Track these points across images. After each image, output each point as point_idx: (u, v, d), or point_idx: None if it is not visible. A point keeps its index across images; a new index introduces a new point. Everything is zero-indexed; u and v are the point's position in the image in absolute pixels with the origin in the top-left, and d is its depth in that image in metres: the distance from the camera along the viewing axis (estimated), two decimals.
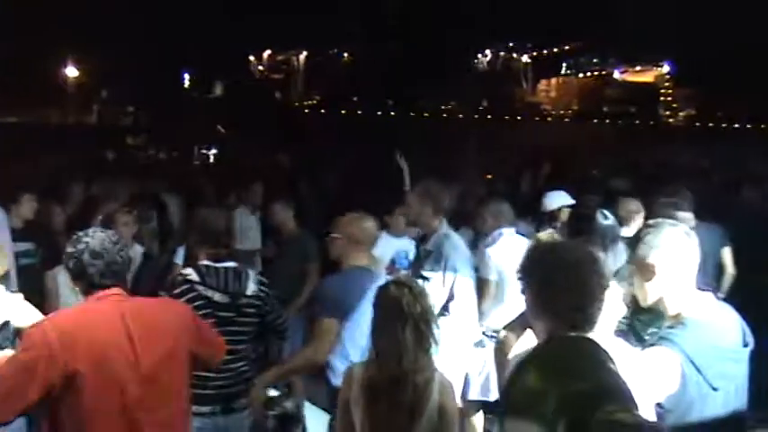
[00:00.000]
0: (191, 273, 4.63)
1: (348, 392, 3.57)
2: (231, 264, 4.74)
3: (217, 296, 4.51)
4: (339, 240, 4.74)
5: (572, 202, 7.31)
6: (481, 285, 6.24)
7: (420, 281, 4.87)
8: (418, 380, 3.49)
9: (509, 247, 6.35)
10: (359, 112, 48.52)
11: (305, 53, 59.69)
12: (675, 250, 3.36)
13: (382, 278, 4.44)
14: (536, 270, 2.84)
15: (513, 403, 2.65)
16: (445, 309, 5.41)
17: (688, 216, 4.95)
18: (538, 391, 2.53)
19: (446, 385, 3.56)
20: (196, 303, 4.35)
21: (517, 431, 2.53)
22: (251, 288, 4.72)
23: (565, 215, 6.99)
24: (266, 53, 59.89)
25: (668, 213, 4.89)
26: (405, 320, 3.54)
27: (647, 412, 2.90)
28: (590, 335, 2.71)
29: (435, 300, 5.00)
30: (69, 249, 3.51)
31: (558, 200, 7.45)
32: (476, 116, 50.85)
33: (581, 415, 2.36)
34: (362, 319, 4.02)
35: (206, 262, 4.70)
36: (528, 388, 2.60)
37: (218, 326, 4.18)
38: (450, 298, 5.42)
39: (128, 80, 42.12)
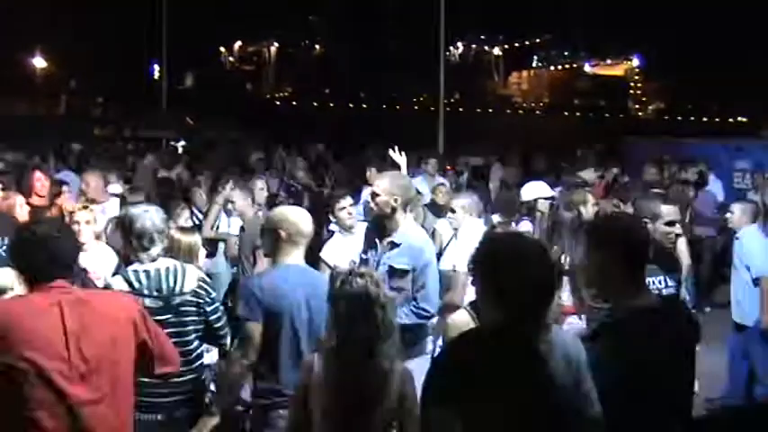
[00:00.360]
0: (117, 281, 4.38)
1: (307, 381, 3.57)
2: (166, 262, 4.43)
3: (147, 301, 4.19)
4: (273, 235, 4.47)
5: (550, 193, 7.31)
6: (453, 277, 6.23)
7: (384, 271, 4.86)
8: (378, 369, 3.50)
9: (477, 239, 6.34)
10: (330, 105, 48.52)
11: (276, 45, 59.56)
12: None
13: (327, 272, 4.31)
14: (485, 262, 2.85)
15: (435, 389, 2.68)
16: (414, 299, 5.37)
17: (672, 210, 4.96)
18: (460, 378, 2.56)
19: (406, 373, 3.58)
20: None
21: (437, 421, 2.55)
22: (188, 285, 4.43)
23: (542, 206, 7.01)
24: (237, 45, 59.71)
25: (648, 207, 4.88)
26: (366, 310, 3.54)
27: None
28: (536, 327, 2.73)
29: (404, 290, 5.00)
30: (14, 241, 3.46)
31: (535, 191, 7.43)
32: (448, 108, 51.05)
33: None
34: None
35: (134, 267, 4.39)
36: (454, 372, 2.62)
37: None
38: (419, 288, 5.38)
39: (97, 71, 41.82)
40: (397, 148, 6.64)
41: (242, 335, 4.27)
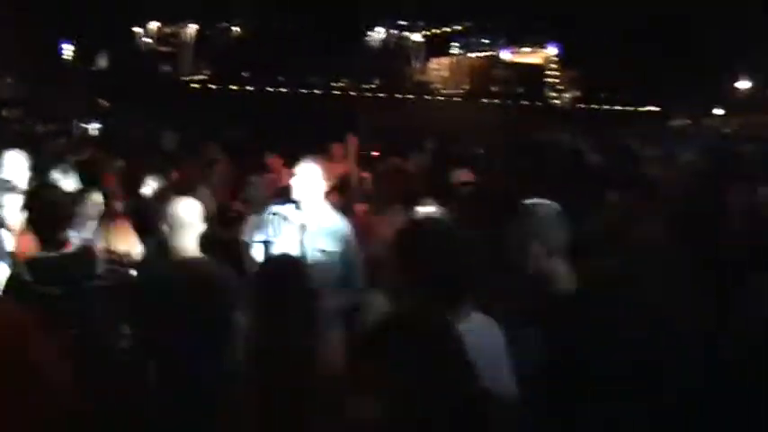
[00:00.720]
0: (22, 271, 4.19)
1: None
2: (74, 247, 4.26)
3: (51, 290, 4.03)
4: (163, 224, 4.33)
5: (471, 179, 7.35)
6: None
7: (311, 253, 4.84)
8: (302, 352, 3.46)
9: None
10: (249, 88, 47.84)
11: (194, 26, 58.35)
12: None
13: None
14: (405, 246, 2.84)
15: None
16: (336, 283, 5.35)
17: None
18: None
19: (327, 357, 3.55)
20: (32, 305, 3.93)
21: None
22: (98, 269, 4.28)
23: (465, 192, 7.04)
24: (153, 25, 58.28)
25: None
26: (289, 295, 3.50)
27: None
28: (453, 312, 2.71)
29: (325, 275, 4.97)
30: None
31: (458, 177, 7.46)
32: (367, 94, 50.92)
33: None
34: None
35: (38, 253, 4.21)
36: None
37: (65, 322, 3.78)
38: (341, 273, 5.36)
39: (4, 50, 40.26)
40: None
41: None
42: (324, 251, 5.38)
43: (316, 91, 50.18)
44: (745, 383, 3.76)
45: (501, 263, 3.64)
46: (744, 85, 54.27)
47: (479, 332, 3.03)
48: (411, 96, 54.53)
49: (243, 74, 50.26)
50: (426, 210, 6.33)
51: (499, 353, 3.13)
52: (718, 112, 50.49)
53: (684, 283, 4.75)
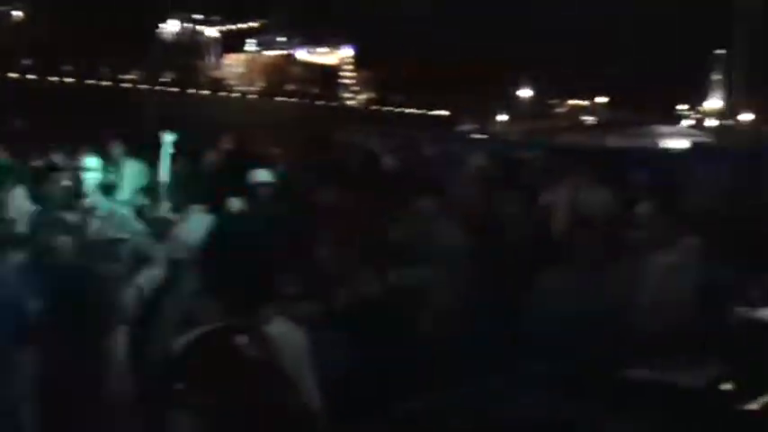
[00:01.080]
0: None
1: None
2: None
3: None
4: None
5: (270, 179, 7.30)
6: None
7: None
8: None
9: (197, 226, 6.17)
10: (30, 77, 45.08)
11: None
12: None
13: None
14: (205, 251, 2.75)
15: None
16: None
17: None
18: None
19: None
20: None
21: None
22: None
23: (265, 191, 6.99)
24: None
25: None
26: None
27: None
28: (254, 317, 2.64)
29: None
30: None
31: (257, 176, 7.40)
32: (157, 87, 49.31)
33: None
34: None
35: None
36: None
37: None
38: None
39: None
40: None
41: None
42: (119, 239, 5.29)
43: (104, 83, 48.14)
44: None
45: (303, 265, 3.61)
46: (525, 93, 57.64)
47: (282, 337, 2.98)
48: (205, 92, 53.55)
49: (23, 62, 47.33)
50: (229, 209, 6.23)
51: (302, 357, 3.09)
52: (502, 118, 53.29)
53: (479, 285, 4.92)
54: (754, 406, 2.61)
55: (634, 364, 3.12)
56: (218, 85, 58.02)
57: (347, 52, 64.56)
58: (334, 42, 63.88)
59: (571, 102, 67.15)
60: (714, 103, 55.85)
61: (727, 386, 2.75)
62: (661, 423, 2.73)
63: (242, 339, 2.55)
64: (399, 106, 59.33)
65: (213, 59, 62.28)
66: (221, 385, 2.42)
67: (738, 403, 2.65)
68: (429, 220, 5.47)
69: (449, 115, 55.36)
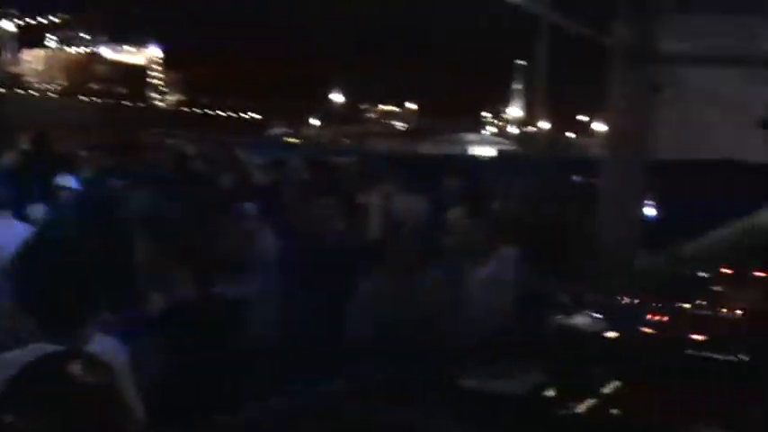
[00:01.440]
0: None
1: None
2: None
3: None
4: None
5: (72, 184, 6.97)
6: None
7: None
8: None
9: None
10: None
11: None
12: None
13: None
14: (18, 263, 2.53)
15: None
16: None
17: None
18: None
19: None
20: None
21: None
22: None
23: (70, 196, 6.66)
24: None
25: None
26: None
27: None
28: (74, 337, 2.46)
29: None
30: None
31: (61, 180, 7.05)
32: None
33: None
34: None
35: None
36: None
37: None
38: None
39: None
40: None
41: None
42: None
43: None
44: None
45: (118, 272, 3.42)
46: (337, 98, 58.26)
47: (107, 355, 2.81)
48: (1, 89, 50.46)
49: None
50: (32, 216, 5.85)
51: (127, 371, 2.93)
52: (315, 122, 53.63)
53: (297, 291, 4.88)
54: (576, 410, 2.71)
55: (456, 372, 3.16)
56: (14, 81, 54.77)
57: (155, 52, 62.81)
58: (141, 41, 61.98)
59: (382, 107, 68.63)
60: (515, 111, 58.65)
61: (549, 392, 2.84)
62: (486, 430, 2.78)
63: (75, 367, 2.35)
64: (210, 108, 58.40)
65: (9, 55, 58.72)
66: (58, 417, 2.23)
67: (560, 409, 2.75)
68: (247, 226, 5.38)
69: (261, 119, 55.10)
